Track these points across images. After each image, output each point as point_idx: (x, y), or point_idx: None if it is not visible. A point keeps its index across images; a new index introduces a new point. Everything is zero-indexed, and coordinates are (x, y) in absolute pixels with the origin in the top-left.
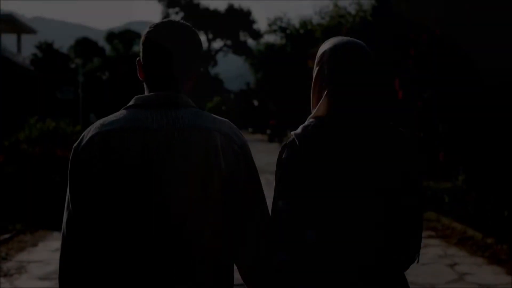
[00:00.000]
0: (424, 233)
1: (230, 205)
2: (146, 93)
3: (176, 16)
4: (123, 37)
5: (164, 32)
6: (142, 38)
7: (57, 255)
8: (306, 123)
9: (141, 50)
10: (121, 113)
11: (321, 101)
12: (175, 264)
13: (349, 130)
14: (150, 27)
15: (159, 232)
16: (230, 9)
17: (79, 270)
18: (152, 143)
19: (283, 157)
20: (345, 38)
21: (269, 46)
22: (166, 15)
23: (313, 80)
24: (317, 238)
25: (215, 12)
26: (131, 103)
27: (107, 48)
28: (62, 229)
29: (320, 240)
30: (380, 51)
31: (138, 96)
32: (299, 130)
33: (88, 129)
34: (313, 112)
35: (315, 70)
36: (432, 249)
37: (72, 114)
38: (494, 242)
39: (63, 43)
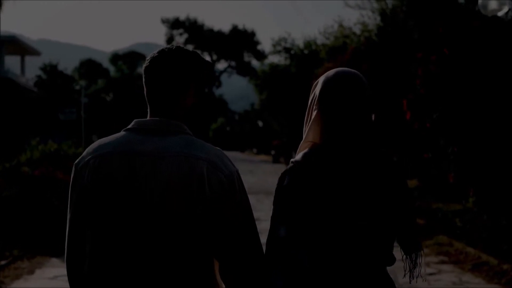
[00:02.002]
0: (437, 258)
1: (218, 232)
2: (148, 117)
3: (180, 37)
4: (127, 58)
5: (160, 60)
6: (144, 66)
7: (54, 283)
8: (306, 150)
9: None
10: (118, 135)
11: (309, 126)
12: (159, 285)
13: (346, 158)
14: (150, 55)
15: (142, 253)
16: (234, 30)
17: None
18: (138, 168)
19: (284, 184)
20: (339, 68)
21: (273, 67)
22: (170, 37)
23: (307, 107)
24: (313, 264)
25: (219, 33)
26: (129, 126)
27: (112, 69)
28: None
29: (315, 265)
30: (386, 71)
31: (137, 120)
32: (299, 157)
33: (88, 148)
34: (304, 136)
35: (310, 97)
36: (446, 276)
37: (75, 135)
38: (510, 268)
39: (68, 65)
